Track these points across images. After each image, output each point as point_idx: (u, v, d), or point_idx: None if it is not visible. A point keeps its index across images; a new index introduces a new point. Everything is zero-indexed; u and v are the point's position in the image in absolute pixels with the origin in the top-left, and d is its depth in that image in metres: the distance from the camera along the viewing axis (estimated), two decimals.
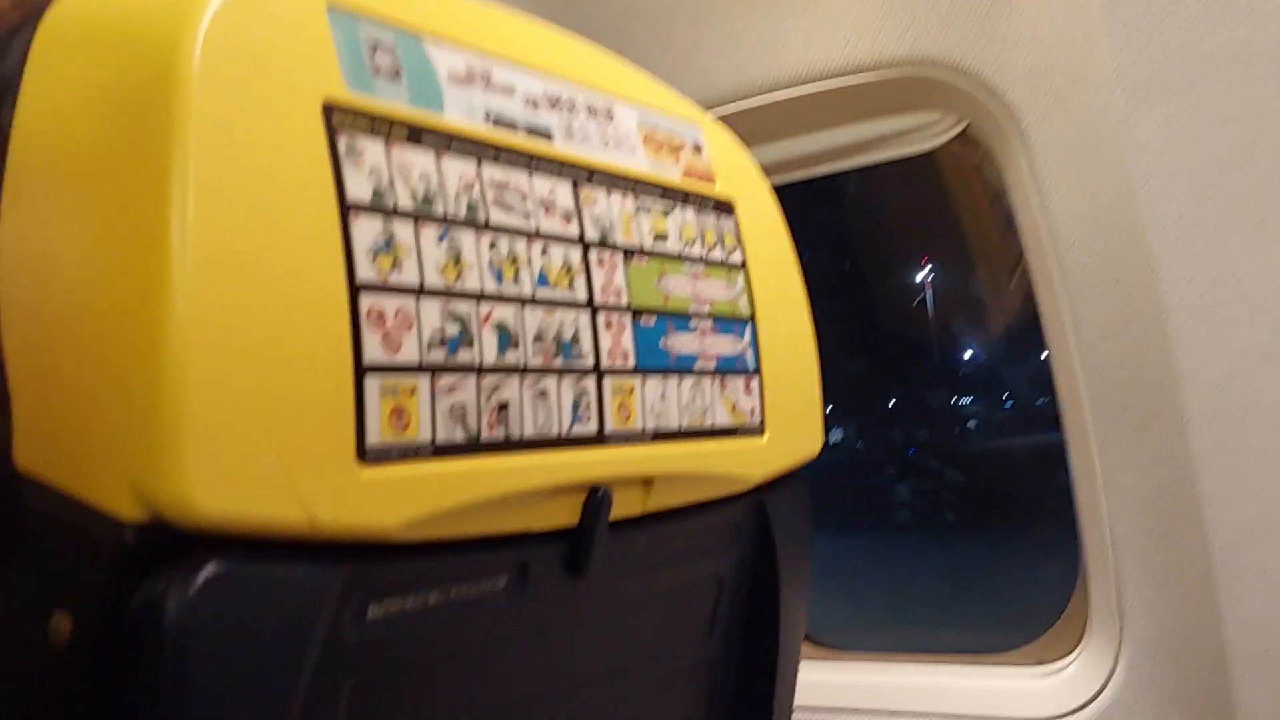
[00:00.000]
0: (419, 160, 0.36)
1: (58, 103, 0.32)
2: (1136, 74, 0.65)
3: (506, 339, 0.37)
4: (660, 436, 0.44)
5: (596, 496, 0.41)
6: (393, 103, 0.35)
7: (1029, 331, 0.81)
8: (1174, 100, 0.65)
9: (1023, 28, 0.72)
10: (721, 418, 0.48)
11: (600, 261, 0.42)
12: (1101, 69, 0.67)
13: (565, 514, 0.40)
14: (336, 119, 0.33)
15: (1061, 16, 0.70)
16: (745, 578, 0.51)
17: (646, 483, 0.44)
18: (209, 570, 0.28)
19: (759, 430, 0.50)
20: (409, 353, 0.34)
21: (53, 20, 0.33)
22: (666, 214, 0.47)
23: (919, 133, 0.87)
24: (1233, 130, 0.64)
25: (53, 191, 0.32)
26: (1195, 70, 0.64)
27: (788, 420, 0.51)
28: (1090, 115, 0.70)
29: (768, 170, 0.68)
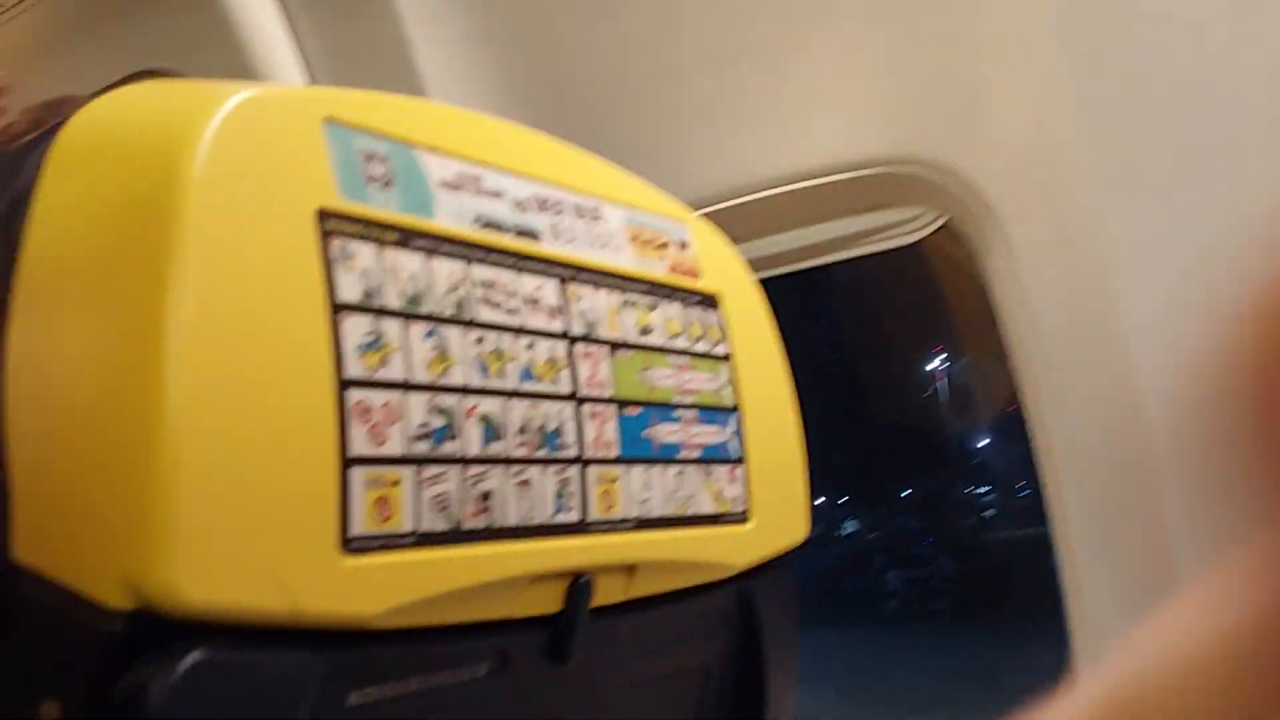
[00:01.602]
0: (408, 262, 0.38)
1: (67, 213, 0.34)
2: (1106, 170, 0.68)
3: (491, 431, 0.39)
4: (643, 524, 0.45)
5: (578, 584, 0.42)
6: (384, 209, 0.37)
7: (1018, 420, 0.82)
8: (1143, 195, 0.67)
9: (998, 128, 0.76)
10: (705, 506, 0.49)
11: (585, 355, 0.44)
12: (1073, 165, 0.70)
13: (547, 602, 0.41)
14: (329, 225, 0.35)
15: (1034, 117, 0.73)
16: (731, 667, 0.52)
17: (630, 570, 0.45)
18: (193, 658, 0.29)
19: (743, 518, 0.51)
20: (394, 445, 0.35)
21: (66, 136, 0.36)
22: (652, 308, 0.49)
23: (903, 226, 0.90)
24: (1204, 224, 0.66)
25: (59, 296, 0.33)
26: (1165, 165, 0.67)
27: (772, 508, 0.52)
28: (1064, 209, 0.72)
29: (756, 265, 0.70)
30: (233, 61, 1.02)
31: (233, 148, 0.33)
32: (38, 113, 0.42)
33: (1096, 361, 0.72)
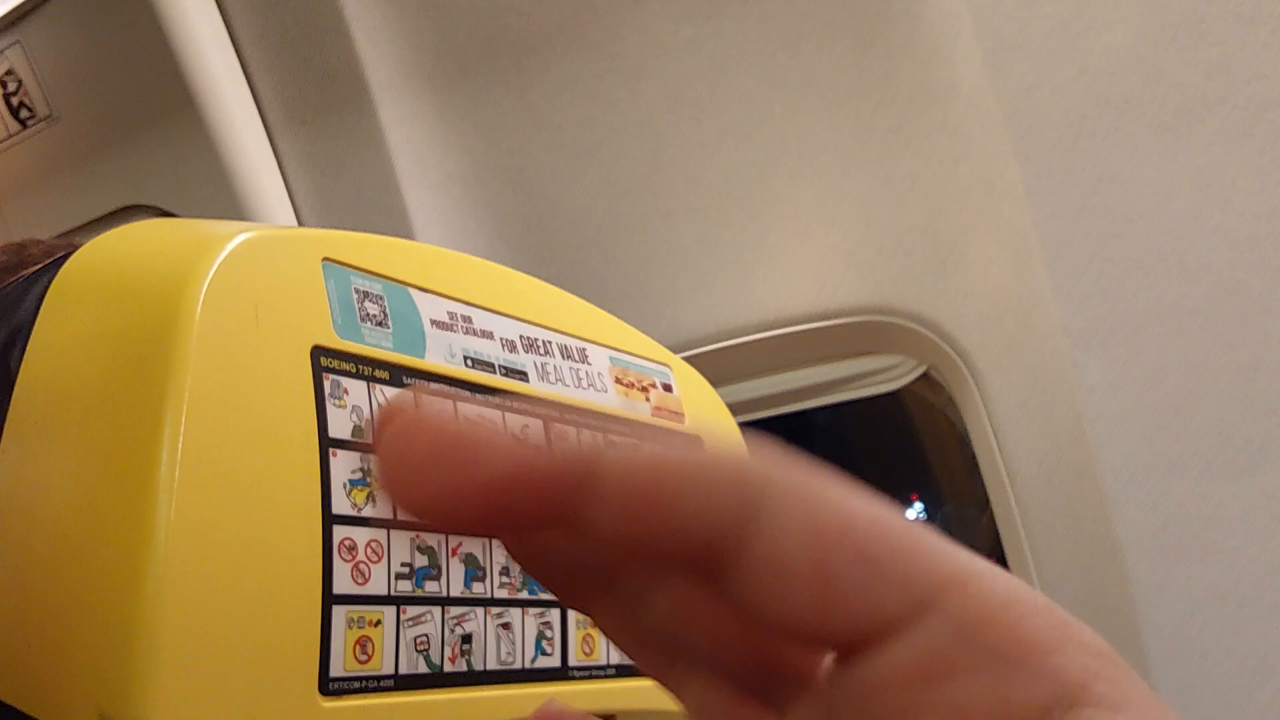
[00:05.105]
0: None
1: (65, 347, 0.34)
2: (1080, 323, 0.70)
3: (473, 571, 0.39)
4: (623, 672, 0.44)
5: None
6: (377, 347, 0.38)
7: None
8: (1117, 348, 0.69)
9: (974, 280, 0.78)
10: None
11: None
12: (1048, 318, 0.72)
13: None
14: (324, 362, 0.35)
15: (1010, 270, 0.76)
16: None
17: (609, 719, 0.44)
18: None
19: None
20: (377, 584, 0.35)
21: (68, 272, 0.36)
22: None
23: (885, 373, 0.91)
24: (1174, 378, 0.68)
25: (52, 429, 0.33)
26: (1135, 321, 0.69)
27: None
28: (1040, 361, 0.74)
29: (737, 409, 0.71)
30: (222, 198, 1.04)
31: (233, 288, 0.34)
32: (2, 256, 0.43)
33: (1076, 512, 0.72)
